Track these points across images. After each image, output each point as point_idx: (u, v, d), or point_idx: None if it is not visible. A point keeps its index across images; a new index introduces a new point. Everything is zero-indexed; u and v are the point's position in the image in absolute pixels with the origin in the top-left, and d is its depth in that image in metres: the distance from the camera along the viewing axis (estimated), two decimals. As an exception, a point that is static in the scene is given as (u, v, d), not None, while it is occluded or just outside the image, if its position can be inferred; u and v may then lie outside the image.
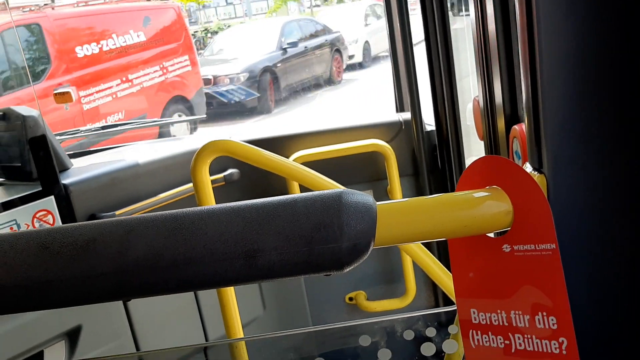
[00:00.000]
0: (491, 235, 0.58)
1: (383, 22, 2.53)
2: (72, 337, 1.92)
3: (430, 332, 0.72)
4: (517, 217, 0.55)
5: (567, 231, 0.56)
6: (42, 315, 1.83)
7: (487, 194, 0.57)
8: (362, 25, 13.15)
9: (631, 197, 0.52)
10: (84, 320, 1.93)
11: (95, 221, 0.54)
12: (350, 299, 2.56)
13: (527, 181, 0.54)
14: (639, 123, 0.52)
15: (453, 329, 0.71)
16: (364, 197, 0.54)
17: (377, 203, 0.55)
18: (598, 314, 0.57)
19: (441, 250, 2.31)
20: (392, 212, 0.57)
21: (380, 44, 12.15)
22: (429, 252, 1.47)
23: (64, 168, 2.03)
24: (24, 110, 1.99)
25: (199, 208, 0.54)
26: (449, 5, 2.14)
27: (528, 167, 0.64)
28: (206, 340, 1.80)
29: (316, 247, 0.51)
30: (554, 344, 0.53)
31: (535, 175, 0.62)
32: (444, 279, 1.43)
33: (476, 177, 0.59)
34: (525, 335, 0.55)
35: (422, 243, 1.46)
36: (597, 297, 0.57)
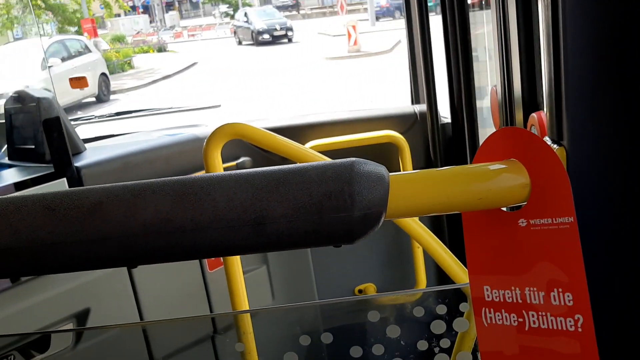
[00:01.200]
0: (506, 209, 0.57)
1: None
2: (80, 319, 1.93)
3: (441, 309, 0.70)
4: (534, 190, 0.53)
5: (586, 204, 0.54)
6: (51, 298, 1.83)
7: (503, 166, 0.55)
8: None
9: None
10: (92, 304, 1.93)
11: (103, 185, 0.53)
12: (360, 291, 2.54)
13: (547, 153, 0.52)
14: None
15: (464, 306, 0.69)
16: (377, 166, 0.53)
17: (390, 174, 0.53)
18: (615, 290, 0.55)
19: (453, 238, 2.28)
20: (405, 182, 0.55)
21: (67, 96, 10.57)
22: (440, 241, 1.45)
23: (78, 151, 2.04)
24: (38, 92, 1.99)
25: (208, 174, 0.53)
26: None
27: (547, 141, 0.62)
28: (214, 323, 1.79)
29: (326, 216, 0.49)
30: (570, 321, 0.51)
31: (555, 147, 0.60)
32: (456, 269, 1.41)
33: (494, 150, 0.57)
34: (540, 313, 0.53)
35: (434, 231, 1.44)
36: (614, 272, 0.55)
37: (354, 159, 0.52)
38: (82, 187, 0.53)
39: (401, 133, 2.33)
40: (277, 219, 0.49)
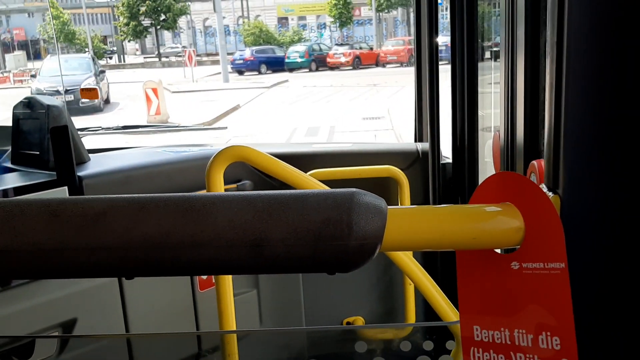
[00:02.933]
0: (500, 251, 0.58)
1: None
2: (67, 329, 1.92)
3: (428, 345, 0.71)
4: (528, 234, 0.55)
5: (577, 252, 0.56)
6: (38, 305, 1.82)
7: (499, 209, 0.57)
8: None
9: None
10: (79, 314, 1.92)
11: (108, 196, 0.54)
12: (348, 323, 2.52)
13: (542, 199, 0.54)
14: None
15: (451, 344, 0.69)
16: (376, 198, 0.54)
17: (389, 207, 0.55)
18: (603, 338, 0.56)
19: (445, 277, 2.28)
20: (402, 216, 0.56)
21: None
22: (431, 279, 1.45)
23: (82, 161, 2.05)
24: (48, 99, 2.02)
25: (211, 193, 0.54)
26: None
27: (543, 188, 0.63)
28: (199, 342, 1.78)
29: (323, 243, 0.51)
30: (556, 365, 0.52)
31: (550, 195, 0.61)
32: (445, 308, 1.41)
33: (490, 192, 0.59)
34: (528, 355, 0.54)
35: (427, 269, 1.44)
36: (603, 321, 0.56)
37: (354, 189, 0.53)
38: (88, 196, 0.54)
39: (402, 169, 2.35)
40: (274, 242, 0.51)
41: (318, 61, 28.29)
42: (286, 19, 45.04)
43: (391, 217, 0.54)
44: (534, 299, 0.54)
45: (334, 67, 27.80)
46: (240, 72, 27.55)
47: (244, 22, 42.43)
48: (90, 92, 4.63)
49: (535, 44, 1.29)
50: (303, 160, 2.31)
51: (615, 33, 0.56)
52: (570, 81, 0.60)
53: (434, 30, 2.31)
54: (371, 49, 31.02)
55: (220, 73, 23.88)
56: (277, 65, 28.01)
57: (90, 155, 2.15)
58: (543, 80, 1.30)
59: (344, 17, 38.87)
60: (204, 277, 2.16)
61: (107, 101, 16.57)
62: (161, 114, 12.21)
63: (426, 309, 2.37)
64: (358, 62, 27.87)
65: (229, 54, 29.07)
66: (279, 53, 29.89)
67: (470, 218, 0.56)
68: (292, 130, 11.74)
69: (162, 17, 36.14)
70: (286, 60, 28.35)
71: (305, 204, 0.52)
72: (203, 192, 0.54)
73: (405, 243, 0.56)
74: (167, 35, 44.61)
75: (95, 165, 2.04)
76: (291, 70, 27.69)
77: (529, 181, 0.55)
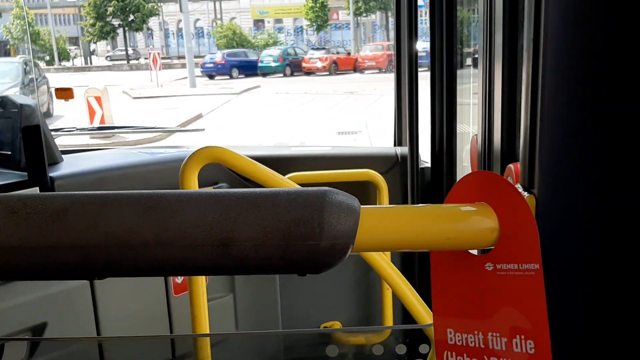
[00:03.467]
0: (474, 252, 0.57)
1: None
2: (37, 333, 1.86)
3: (400, 349, 0.69)
4: (502, 235, 0.53)
5: (552, 253, 0.55)
6: (8, 308, 1.77)
7: (474, 209, 0.55)
8: None
9: (619, 223, 0.51)
10: (50, 318, 1.87)
11: (70, 192, 0.52)
12: (325, 328, 2.50)
13: (517, 199, 0.53)
14: (628, 158, 0.52)
15: (424, 348, 0.68)
16: (349, 197, 0.52)
17: (362, 206, 0.53)
18: (577, 340, 0.55)
19: (422, 279, 2.27)
20: (375, 216, 0.55)
21: None
22: (407, 281, 1.44)
23: (54, 161, 2.01)
24: (21, 98, 1.98)
25: (178, 191, 0.52)
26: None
27: (518, 188, 0.63)
28: (173, 347, 1.74)
29: (293, 243, 0.49)
30: (529, 369, 0.51)
31: (525, 195, 0.60)
32: (420, 310, 1.40)
33: (466, 192, 0.58)
34: (501, 359, 0.53)
35: (404, 271, 1.43)
36: (577, 323, 0.55)
37: (326, 188, 0.52)
38: (48, 192, 0.52)
39: (381, 173, 2.35)
40: (243, 242, 0.49)
41: (293, 66, 26.66)
42: (263, 22, 43.88)
43: (364, 217, 0.52)
44: (508, 301, 0.53)
45: (309, 73, 26.07)
46: (211, 77, 25.75)
47: (216, 23, 40.90)
48: (65, 92, 4.50)
49: (513, 49, 1.30)
50: (282, 163, 2.29)
51: (589, 40, 0.56)
52: (545, 84, 0.59)
53: (414, 35, 2.31)
54: (349, 54, 29.57)
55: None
56: (249, 69, 26.23)
57: (63, 155, 2.10)
58: (520, 85, 1.31)
59: (321, 20, 37.46)
60: (179, 281, 2.13)
61: (47, 114, 13.51)
62: (106, 124, 9.90)
63: (404, 314, 2.36)
64: (335, 68, 26.22)
65: (200, 57, 27.98)
66: (252, 56, 27.92)
67: (444, 218, 0.55)
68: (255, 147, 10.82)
69: (131, 17, 34.73)
70: (259, 64, 26.59)
71: (276, 202, 0.50)
72: (171, 191, 0.52)
73: (378, 243, 0.55)
74: (139, 37, 43.62)
75: (67, 166, 1.99)
76: (264, 75, 25.89)
77: (504, 180, 0.54)
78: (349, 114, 13.87)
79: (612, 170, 0.53)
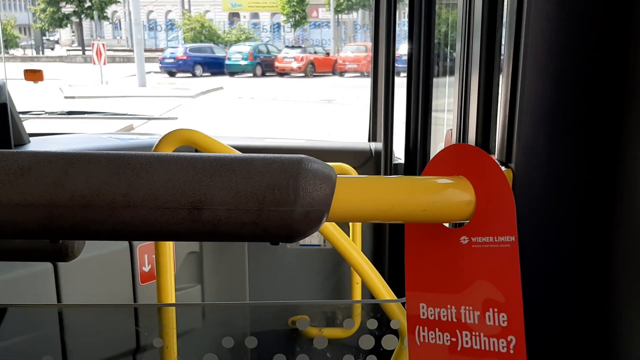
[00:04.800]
0: (449, 226, 0.56)
1: None
2: None
3: (372, 324, 0.68)
4: (478, 208, 0.53)
5: (528, 226, 0.54)
6: None
7: (450, 181, 0.55)
8: None
9: (595, 197, 0.51)
10: (10, 303, 1.81)
11: (35, 150, 0.50)
12: (294, 322, 2.49)
13: (494, 171, 0.52)
14: (605, 132, 0.52)
15: (395, 323, 0.67)
16: (326, 166, 0.51)
17: (338, 176, 0.52)
18: (550, 314, 0.54)
19: (393, 257, 2.26)
20: (351, 185, 0.54)
21: None
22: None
23: (21, 142, 1.95)
24: (-13, 76, 1.91)
25: (149, 152, 0.50)
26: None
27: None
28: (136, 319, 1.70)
29: (267, 209, 0.47)
30: (502, 342, 0.50)
31: (503, 169, 0.60)
32: (382, 290, 1.39)
33: (443, 165, 0.57)
34: (474, 333, 0.52)
35: (375, 247, 1.42)
36: (550, 296, 0.55)
37: (303, 155, 0.50)
38: (13, 150, 0.49)
39: (355, 167, 2.34)
40: (215, 205, 0.47)
41: (265, 65, 23.55)
42: (238, 16, 42.12)
43: (340, 186, 0.51)
44: (483, 274, 0.52)
45: (283, 73, 23.04)
46: (171, 74, 22.42)
47: (184, 15, 37.76)
48: (35, 74, 4.38)
49: (491, 32, 1.29)
50: None
51: (567, 20, 0.55)
52: (526, 58, 0.59)
53: (392, 35, 2.32)
54: (327, 54, 26.52)
55: (149, 73, 19.19)
56: (215, 67, 23.04)
57: (30, 138, 2.04)
58: (497, 76, 1.31)
59: (298, 15, 34.02)
60: (146, 269, 2.08)
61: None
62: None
63: (374, 308, 2.36)
64: (312, 69, 23.17)
65: (159, 50, 24.69)
66: (219, 53, 24.61)
67: (420, 189, 0.54)
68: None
69: (87, 4, 31.31)
70: (226, 62, 23.30)
71: (250, 167, 0.49)
72: (142, 152, 0.50)
73: (353, 213, 0.54)
74: (107, 27, 41.96)
75: (34, 148, 1.94)
76: (232, 74, 22.84)
77: (483, 153, 0.54)
78: (325, 131, 9.81)
79: (589, 144, 0.53)
